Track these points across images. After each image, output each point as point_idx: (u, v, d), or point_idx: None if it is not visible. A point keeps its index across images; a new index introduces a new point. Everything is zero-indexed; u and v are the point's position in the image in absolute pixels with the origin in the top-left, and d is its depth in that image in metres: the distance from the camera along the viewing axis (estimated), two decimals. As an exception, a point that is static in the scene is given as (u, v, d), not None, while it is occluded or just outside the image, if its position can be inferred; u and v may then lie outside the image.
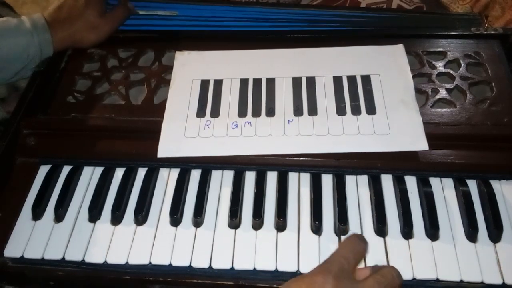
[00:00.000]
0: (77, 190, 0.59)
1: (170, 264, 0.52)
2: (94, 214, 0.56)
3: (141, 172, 0.60)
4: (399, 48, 0.67)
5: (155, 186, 0.59)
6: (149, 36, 0.76)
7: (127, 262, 0.53)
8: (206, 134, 0.60)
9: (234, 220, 0.54)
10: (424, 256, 0.51)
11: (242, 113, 0.62)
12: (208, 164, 0.59)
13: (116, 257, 0.53)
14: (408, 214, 0.54)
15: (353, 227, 0.54)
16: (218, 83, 0.66)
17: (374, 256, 0.52)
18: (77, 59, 0.72)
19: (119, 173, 0.60)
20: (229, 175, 0.59)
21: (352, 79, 0.64)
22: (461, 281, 0.50)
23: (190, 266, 0.52)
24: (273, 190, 0.57)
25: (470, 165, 0.57)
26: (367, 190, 0.57)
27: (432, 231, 0.52)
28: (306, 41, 0.71)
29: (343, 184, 0.57)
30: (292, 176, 0.58)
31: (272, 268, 0.51)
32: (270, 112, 0.62)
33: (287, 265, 0.51)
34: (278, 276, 0.51)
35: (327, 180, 0.58)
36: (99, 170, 0.61)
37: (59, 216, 0.57)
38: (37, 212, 0.57)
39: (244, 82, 0.65)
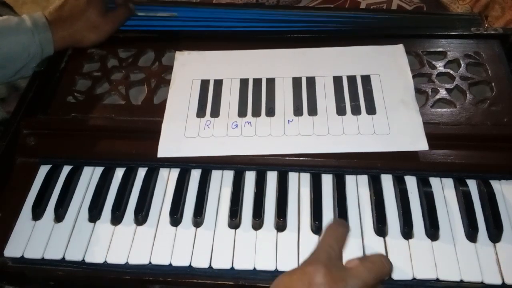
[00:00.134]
0: (77, 190, 0.59)
1: (170, 264, 0.52)
2: (94, 214, 0.56)
3: (141, 172, 0.60)
4: (399, 48, 0.67)
5: (155, 186, 0.59)
6: (149, 36, 0.75)
7: (127, 262, 0.53)
8: (206, 134, 0.60)
9: (234, 220, 0.54)
10: (424, 256, 0.51)
11: (242, 113, 0.62)
12: (208, 164, 0.59)
13: (116, 257, 0.53)
14: (408, 214, 0.54)
15: (353, 227, 0.53)
16: (218, 83, 0.66)
17: (374, 256, 0.51)
18: (77, 59, 0.72)
19: (119, 173, 0.60)
20: (229, 175, 0.59)
21: (352, 79, 0.64)
22: (461, 281, 0.50)
23: (190, 266, 0.52)
24: (273, 190, 0.57)
25: (470, 165, 0.57)
26: (367, 190, 0.57)
27: (432, 231, 0.52)
28: (306, 41, 0.71)
29: (343, 184, 0.57)
30: (292, 176, 0.58)
31: (272, 268, 0.51)
32: (270, 112, 0.62)
33: (287, 265, 0.51)
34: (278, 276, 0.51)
35: (327, 180, 0.58)
36: (99, 170, 0.61)
37: (59, 216, 0.57)
38: (37, 212, 0.57)
39: (244, 82, 0.65)
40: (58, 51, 0.68)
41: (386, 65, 0.65)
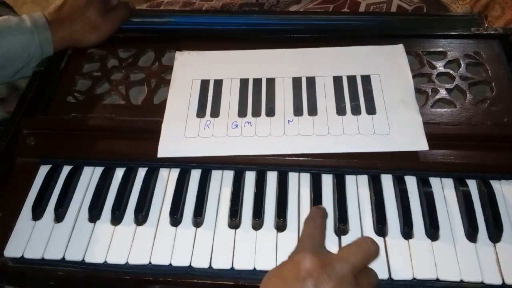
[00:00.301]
0: (77, 190, 0.59)
1: (170, 264, 0.52)
2: (94, 214, 0.56)
3: (141, 172, 0.60)
4: (399, 48, 0.67)
5: (155, 186, 0.59)
6: (149, 36, 0.76)
7: (127, 262, 0.53)
8: (206, 134, 0.60)
9: (234, 220, 0.54)
10: (424, 256, 0.51)
11: (242, 113, 0.62)
12: (208, 164, 0.59)
13: (116, 257, 0.53)
14: (408, 214, 0.54)
15: (353, 227, 0.54)
16: (218, 83, 0.66)
17: (374, 256, 0.52)
18: (77, 59, 0.72)
19: (119, 173, 0.60)
20: (229, 175, 0.59)
21: (352, 79, 0.64)
22: (461, 281, 0.49)
23: (190, 266, 0.52)
24: (273, 190, 0.57)
25: (470, 165, 0.57)
26: (367, 190, 0.57)
27: (432, 231, 0.52)
28: (306, 41, 0.71)
29: (343, 184, 0.57)
30: (292, 176, 0.58)
31: (272, 268, 0.51)
32: (270, 112, 0.62)
33: (287, 265, 0.51)
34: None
35: (327, 180, 0.58)
36: (99, 170, 0.61)
37: (59, 216, 0.57)
38: (37, 212, 0.57)
39: (244, 82, 0.65)
40: (58, 51, 0.69)
41: (386, 65, 0.65)
